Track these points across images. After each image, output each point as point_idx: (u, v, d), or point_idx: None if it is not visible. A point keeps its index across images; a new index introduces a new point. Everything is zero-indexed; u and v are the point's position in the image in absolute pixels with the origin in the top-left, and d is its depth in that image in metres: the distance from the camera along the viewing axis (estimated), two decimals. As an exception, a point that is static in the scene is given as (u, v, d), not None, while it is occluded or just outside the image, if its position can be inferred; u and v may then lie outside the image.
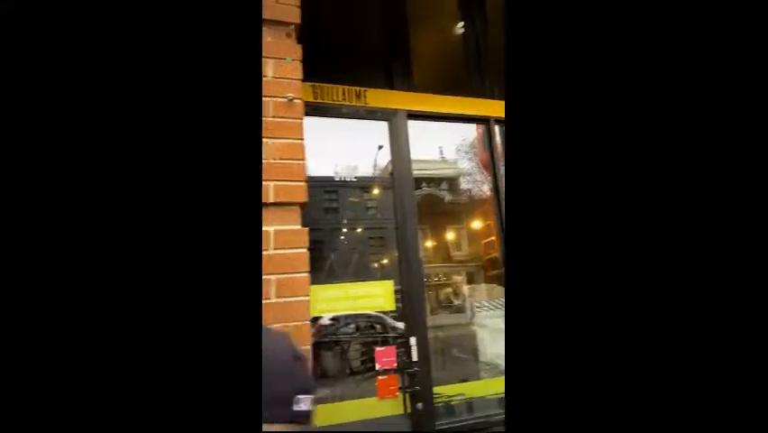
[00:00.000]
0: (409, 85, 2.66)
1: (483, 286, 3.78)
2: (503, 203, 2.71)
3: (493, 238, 3.20)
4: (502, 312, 2.66)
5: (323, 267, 2.55)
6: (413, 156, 2.56)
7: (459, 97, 2.72)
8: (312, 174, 2.50)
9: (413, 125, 2.58)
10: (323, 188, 2.82)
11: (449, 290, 4.62)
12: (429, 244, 7.12)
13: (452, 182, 4.66)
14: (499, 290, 2.96)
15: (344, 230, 2.89)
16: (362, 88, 2.51)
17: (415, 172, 2.59)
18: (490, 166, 2.76)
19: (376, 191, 2.86)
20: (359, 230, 2.89)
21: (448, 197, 4.85)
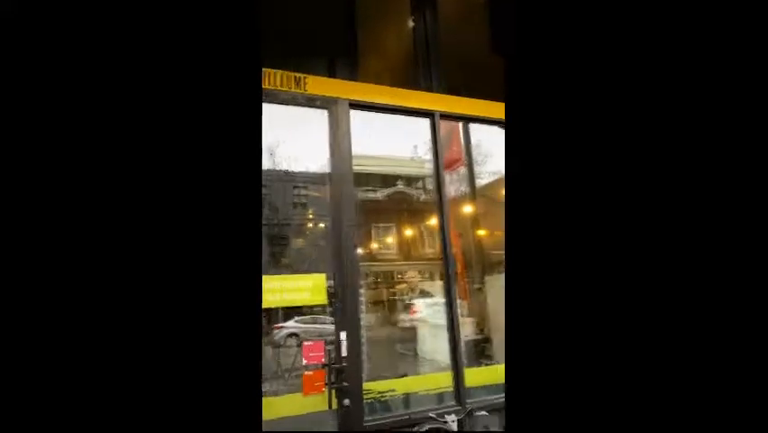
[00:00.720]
0: (353, 74, 2.60)
1: (437, 283, 3.77)
2: (445, 203, 2.67)
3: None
4: (443, 309, 2.63)
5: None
6: (385, 153, 2.50)
7: (404, 89, 2.67)
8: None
9: (388, 120, 2.52)
10: (291, 183, 2.75)
11: (403, 286, 4.60)
12: (393, 241, 7.11)
13: (425, 181, 4.64)
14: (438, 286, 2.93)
15: (309, 225, 2.82)
16: (302, 75, 2.43)
17: (386, 169, 2.54)
18: (433, 163, 2.72)
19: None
20: (321, 225, 2.83)
21: (423, 195, 4.82)
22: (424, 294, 3.92)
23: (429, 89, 2.80)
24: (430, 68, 2.85)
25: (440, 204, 2.67)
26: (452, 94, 2.81)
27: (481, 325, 3.55)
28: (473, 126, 3.29)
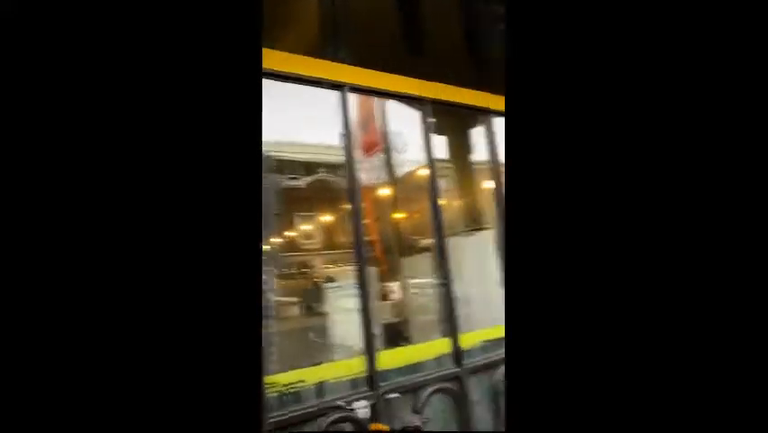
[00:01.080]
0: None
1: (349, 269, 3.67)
2: (357, 183, 2.54)
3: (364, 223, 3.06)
4: (354, 293, 2.51)
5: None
6: (308, 140, 2.31)
7: (308, 57, 2.47)
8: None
9: (311, 106, 2.31)
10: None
11: (322, 273, 4.46)
12: (314, 229, 6.90)
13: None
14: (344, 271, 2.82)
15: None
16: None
17: (308, 156, 2.38)
18: (344, 140, 2.56)
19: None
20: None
21: (345, 183, 4.64)
22: (338, 280, 3.80)
23: (338, 60, 2.63)
24: (339, 37, 2.68)
25: (351, 183, 2.54)
26: (363, 67, 2.67)
27: (399, 307, 3.54)
28: (392, 111, 3.22)
